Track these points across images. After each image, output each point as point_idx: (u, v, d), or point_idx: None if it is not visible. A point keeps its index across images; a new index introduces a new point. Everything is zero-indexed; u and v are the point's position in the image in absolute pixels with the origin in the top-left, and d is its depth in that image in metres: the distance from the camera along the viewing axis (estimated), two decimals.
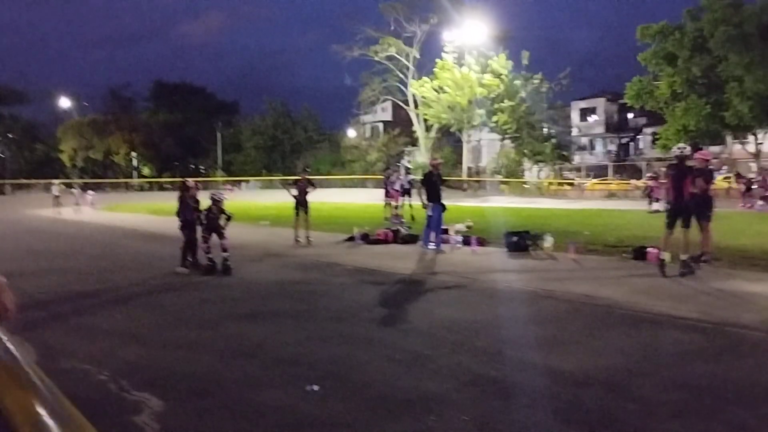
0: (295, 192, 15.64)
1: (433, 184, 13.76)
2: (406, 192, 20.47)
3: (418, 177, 17.67)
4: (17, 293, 1.92)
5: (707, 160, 11.26)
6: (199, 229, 11.51)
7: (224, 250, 10.98)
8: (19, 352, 1.23)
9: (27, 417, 0.98)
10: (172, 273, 11.16)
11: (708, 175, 10.99)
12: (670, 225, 10.14)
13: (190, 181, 12.57)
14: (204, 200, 11.83)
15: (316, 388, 4.91)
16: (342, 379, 5.22)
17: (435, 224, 13.58)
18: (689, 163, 10.43)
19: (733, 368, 5.47)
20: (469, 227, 16.52)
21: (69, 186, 34.56)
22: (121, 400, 4.78)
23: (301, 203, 15.53)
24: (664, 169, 14.80)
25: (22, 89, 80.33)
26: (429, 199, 13.63)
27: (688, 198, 9.99)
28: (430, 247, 13.60)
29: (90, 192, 36.04)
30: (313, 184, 15.97)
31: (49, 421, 0.96)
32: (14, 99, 78.38)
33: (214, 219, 11.16)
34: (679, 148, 10.49)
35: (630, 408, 4.48)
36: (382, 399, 4.73)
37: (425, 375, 5.28)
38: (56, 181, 36.32)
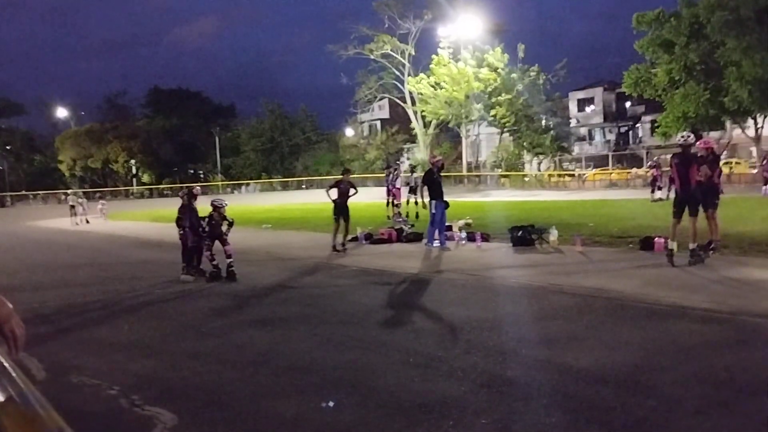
0: (335, 195, 14.23)
1: (434, 181, 13.68)
2: (412, 190, 20.35)
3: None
4: (22, 308, 1.84)
5: (711, 148, 11.18)
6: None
7: (228, 256, 10.90)
8: (32, 391, 1.15)
9: None
10: (176, 281, 11.08)
11: (713, 163, 10.90)
12: (677, 214, 10.07)
13: (197, 188, 12.52)
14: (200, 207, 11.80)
15: (331, 404, 4.73)
16: (355, 386, 5.14)
17: (438, 222, 13.51)
18: (693, 150, 10.35)
19: (753, 359, 5.39)
20: (468, 224, 16.43)
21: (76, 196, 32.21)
22: (132, 416, 4.70)
23: (341, 207, 14.18)
24: (666, 158, 14.83)
25: (18, 101, 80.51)
26: (432, 197, 13.55)
27: (695, 186, 9.92)
28: (434, 244, 13.53)
29: (102, 201, 34.50)
30: (354, 186, 14.82)
31: None
32: (11, 111, 78.47)
33: (216, 226, 11.09)
34: (682, 137, 10.41)
35: (651, 405, 4.40)
36: (398, 405, 4.65)
37: (440, 378, 5.19)
38: (70, 191, 34.84)
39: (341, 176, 14.78)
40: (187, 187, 12.78)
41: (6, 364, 1.26)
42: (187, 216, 11.59)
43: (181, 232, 11.51)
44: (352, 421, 4.43)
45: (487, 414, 4.38)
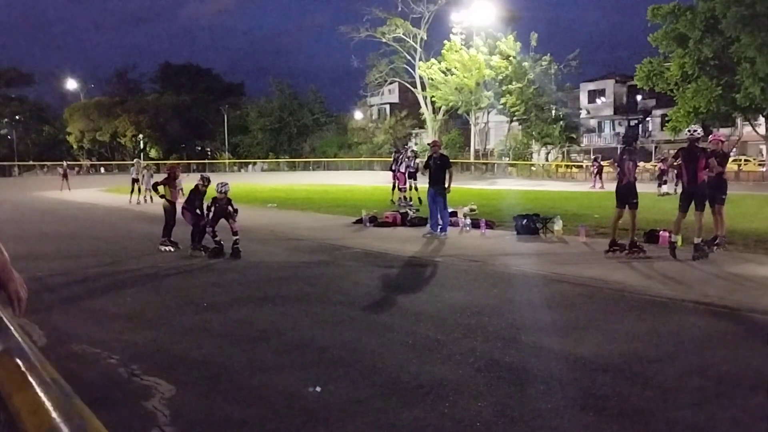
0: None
1: (429, 167, 13.63)
2: (412, 175, 20.33)
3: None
4: (27, 276, 1.85)
5: (722, 142, 11.12)
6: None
7: (234, 233, 10.90)
8: (28, 344, 1.15)
9: (38, 419, 0.91)
10: (180, 256, 11.14)
11: (723, 158, 10.85)
12: (684, 208, 10.01)
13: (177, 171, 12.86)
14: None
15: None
16: (353, 365, 5.16)
17: (433, 207, 13.42)
18: (701, 145, 10.27)
19: (753, 354, 5.38)
20: (473, 210, 16.45)
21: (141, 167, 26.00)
22: (131, 385, 4.73)
23: (627, 189, 10.78)
24: (672, 152, 14.79)
25: (28, 71, 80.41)
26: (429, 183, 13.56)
27: (702, 181, 9.86)
28: (437, 230, 13.46)
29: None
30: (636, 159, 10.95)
31: (63, 426, 0.88)
32: (21, 81, 78.38)
33: (222, 208, 11.02)
34: (689, 131, 10.31)
35: (648, 395, 4.41)
36: (394, 385, 4.66)
37: (438, 360, 5.21)
38: (134, 161, 28.28)
39: (624, 145, 11.20)
40: (201, 175, 12.76)
41: (4, 319, 1.27)
42: (189, 198, 11.65)
43: (167, 206, 12.19)
44: (349, 399, 4.45)
45: (483, 397, 4.39)
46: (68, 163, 42.08)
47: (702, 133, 10.48)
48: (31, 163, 70.82)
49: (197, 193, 11.63)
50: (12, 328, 1.20)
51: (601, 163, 35.10)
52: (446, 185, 13.19)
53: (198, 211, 11.40)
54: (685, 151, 10.14)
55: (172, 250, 11.65)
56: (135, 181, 24.57)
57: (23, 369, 1.02)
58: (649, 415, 4.13)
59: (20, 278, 1.73)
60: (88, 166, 72.51)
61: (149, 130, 78.42)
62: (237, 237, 10.91)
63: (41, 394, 0.95)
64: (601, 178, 32.27)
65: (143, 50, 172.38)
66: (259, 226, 15.12)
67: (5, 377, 1.00)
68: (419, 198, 19.28)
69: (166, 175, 12.81)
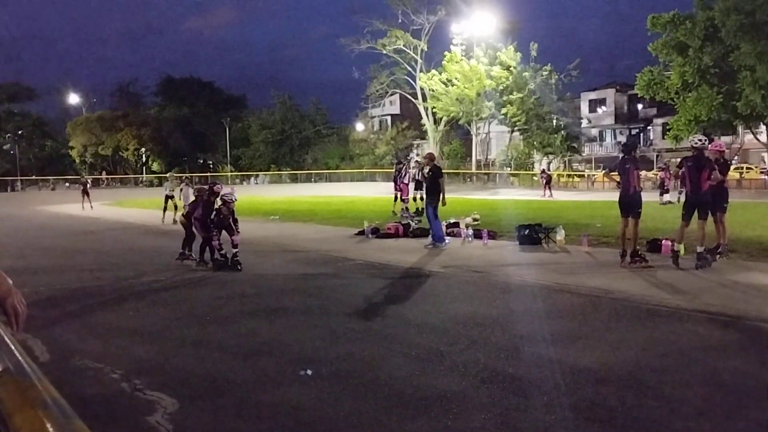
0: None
1: (426, 180, 13.77)
2: (419, 185, 20.31)
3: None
4: (28, 290, 1.85)
5: (722, 151, 11.11)
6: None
7: (234, 246, 10.92)
8: (29, 363, 1.15)
9: None
10: (182, 269, 11.13)
11: (723, 166, 10.84)
12: (687, 216, 10.00)
13: (219, 185, 12.43)
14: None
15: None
16: (356, 377, 5.14)
17: (431, 218, 13.47)
18: (707, 154, 10.24)
19: (758, 363, 5.36)
20: (476, 220, 16.45)
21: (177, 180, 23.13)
22: (134, 400, 4.72)
23: (628, 197, 10.61)
24: (675, 161, 14.78)
25: (30, 85, 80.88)
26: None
27: (706, 190, 9.85)
28: (439, 242, 13.43)
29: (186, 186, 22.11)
30: (638, 164, 10.87)
31: None
32: (24, 96, 78.81)
33: (224, 219, 11.08)
34: (700, 141, 10.26)
35: (652, 405, 4.38)
36: (398, 397, 4.65)
37: (441, 372, 5.19)
38: (169, 174, 24.95)
39: (623, 154, 10.94)
40: (209, 184, 12.56)
41: (5, 337, 1.27)
42: (198, 209, 11.62)
43: (184, 220, 11.94)
44: (351, 412, 4.44)
45: (487, 409, 4.37)
46: (88, 177, 38.03)
47: (708, 143, 10.45)
48: (33, 177, 71.04)
49: (209, 203, 11.63)
50: (12, 346, 1.20)
51: (549, 173, 38.08)
52: (440, 197, 13.27)
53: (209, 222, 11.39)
54: (691, 160, 10.10)
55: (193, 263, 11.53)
56: (169, 197, 20.86)
57: (24, 389, 1.02)
58: (654, 425, 4.11)
59: (18, 293, 1.73)
60: (105, 179, 72.58)
61: (151, 143, 78.66)
62: (237, 250, 10.93)
63: (42, 415, 0.94)
64: (549, 188, 33.58)
65: (145, 64, 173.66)
66: (261, 239, 15.13)
67: (6, 397, 1.00)
68: (418, 208, 19.27)
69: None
